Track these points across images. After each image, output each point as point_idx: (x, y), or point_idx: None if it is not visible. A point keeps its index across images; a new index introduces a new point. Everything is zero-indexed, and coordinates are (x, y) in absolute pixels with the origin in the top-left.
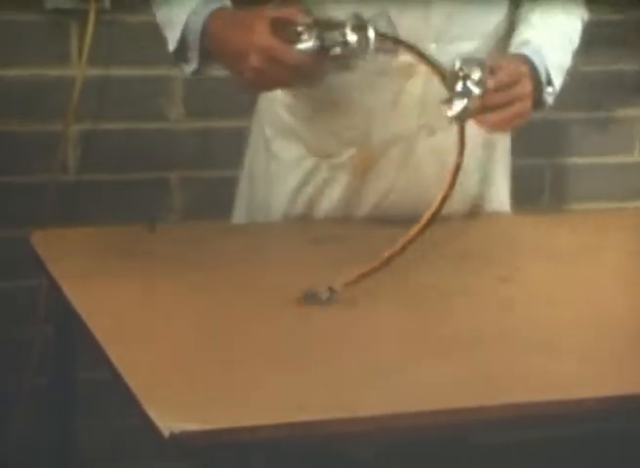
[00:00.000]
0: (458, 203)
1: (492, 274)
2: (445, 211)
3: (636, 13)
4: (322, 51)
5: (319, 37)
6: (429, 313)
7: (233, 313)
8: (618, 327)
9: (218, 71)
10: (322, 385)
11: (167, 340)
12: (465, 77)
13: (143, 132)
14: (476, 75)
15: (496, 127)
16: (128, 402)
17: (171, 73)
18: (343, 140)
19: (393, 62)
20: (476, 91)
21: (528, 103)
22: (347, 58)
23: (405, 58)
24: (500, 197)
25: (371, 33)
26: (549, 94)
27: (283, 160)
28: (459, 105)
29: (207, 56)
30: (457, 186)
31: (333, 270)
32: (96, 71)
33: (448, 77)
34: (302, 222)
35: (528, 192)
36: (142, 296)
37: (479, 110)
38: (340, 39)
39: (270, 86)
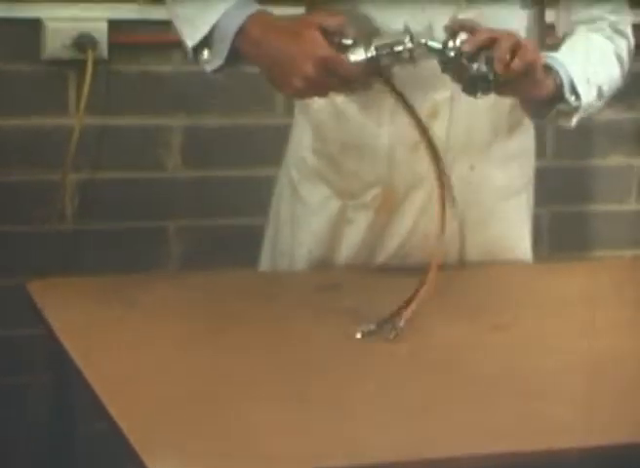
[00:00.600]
0: (477, 253)
1: (489, 322)
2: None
3: None
4: (372, 62)
5: (370, 49)
6: (428, 361)
7: (234, 361)
8: (613, 374)
9: (215, 121)
10: (336, 432)
11: (166, 390)
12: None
13: (141, 181)
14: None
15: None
16: (126, 452)
17: (168, 123)
18: (367, 181)
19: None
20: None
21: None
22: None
23: (431, 99)
24: (522, 247)
25: (431, 44)
26: (573, 102)
27: (308, 203)
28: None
29: (234, 56)
30: (474, 237)
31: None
32: (93, 121)
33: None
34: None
35: None
36: (141, 346)
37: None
38: (391, 51)
39: (319, 94)
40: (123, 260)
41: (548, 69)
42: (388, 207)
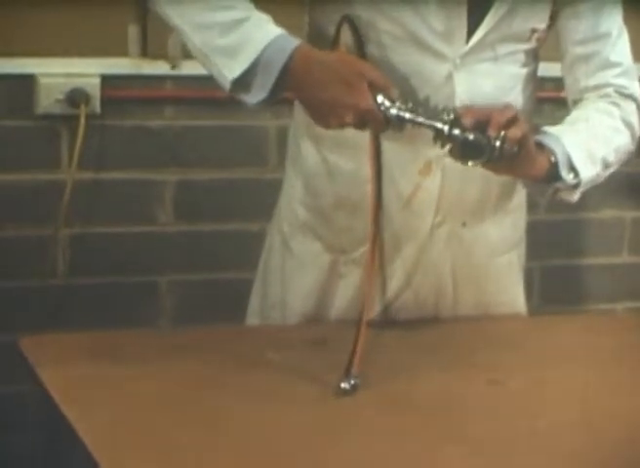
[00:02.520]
0: (470, 310)
1: (485, 377)
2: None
3: None
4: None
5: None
6: (420, 417)
7: (228, 417)
8: (609, 431)
9: (206, 175)
10: None
11: (160, 448)
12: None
13: (133, 235)
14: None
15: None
16: None
17: (160, 177)
18: (358, 238)
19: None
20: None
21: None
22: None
23: (424, 155)
24: (516, 303)
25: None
26: (570, 181)
27: (299, 256)
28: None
29: (277, 89)
30: (467, 293)
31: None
32: (86, 175)
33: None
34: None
35: None
36: (133, 402)
37: None
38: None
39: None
40: (115, 315)
41: (542, 147)
42: (379, 263)
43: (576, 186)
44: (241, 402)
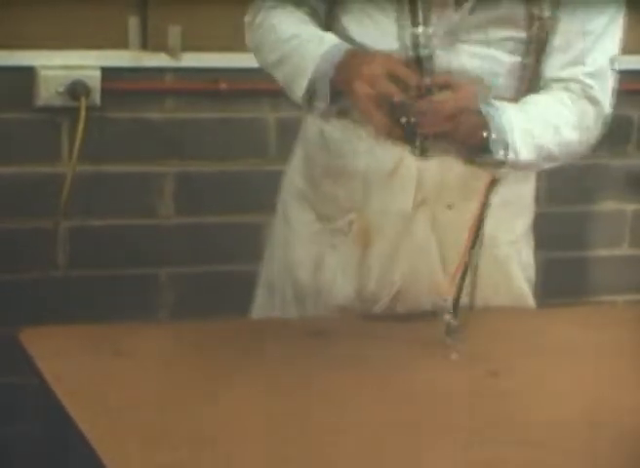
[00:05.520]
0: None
1: (485, 368)
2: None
3: None
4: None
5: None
6: (419, 408)
7: (221, 411)
8: (609, 424)
9: (207, 167)
10: None
11: (160, 440)
12: None
13: (133, 228)
14: None
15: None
16: None
17: (161, 169)
18: (342, 205)
19: None
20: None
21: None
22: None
23: None
24: (517, 303)
25: None
26: (499, 157)
27: (294, 224)
28: None
29: (337, 95)
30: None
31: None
32: (86, 168)
33: None
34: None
35: None
36: (134, 394)
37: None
38: None
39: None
40: (115, 308)
41: (481, 117)
42: (365, 238)
43: (504, 163)
44: (243, 395)
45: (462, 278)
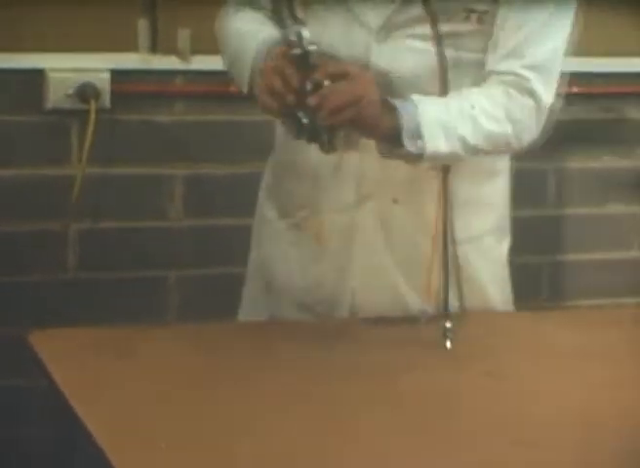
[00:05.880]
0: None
1: (481, 370)
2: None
3: None
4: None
5: None
6: (418, 410)
7: (229, 412)
8: (606, 425)
9: (216, 170)
10: None
11: (168, 441)
12: None
13: (143, 230)
14: None
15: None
16: None
17: (170, 172)
18: (296, 202)
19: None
20: None
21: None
22: None
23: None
24: (490, 304)
25: None
26: (412, 149)
27: (263, 221)
28: None
29: None
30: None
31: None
32: (95, 170)
33: None
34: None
35: (526, 289)
36: (142, 396)
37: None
38: None
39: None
40: (124, 310)
41: (393, 110)
42: (316, 232)
43: (419, 155)
44: (252, 397)
45: (445, 280)
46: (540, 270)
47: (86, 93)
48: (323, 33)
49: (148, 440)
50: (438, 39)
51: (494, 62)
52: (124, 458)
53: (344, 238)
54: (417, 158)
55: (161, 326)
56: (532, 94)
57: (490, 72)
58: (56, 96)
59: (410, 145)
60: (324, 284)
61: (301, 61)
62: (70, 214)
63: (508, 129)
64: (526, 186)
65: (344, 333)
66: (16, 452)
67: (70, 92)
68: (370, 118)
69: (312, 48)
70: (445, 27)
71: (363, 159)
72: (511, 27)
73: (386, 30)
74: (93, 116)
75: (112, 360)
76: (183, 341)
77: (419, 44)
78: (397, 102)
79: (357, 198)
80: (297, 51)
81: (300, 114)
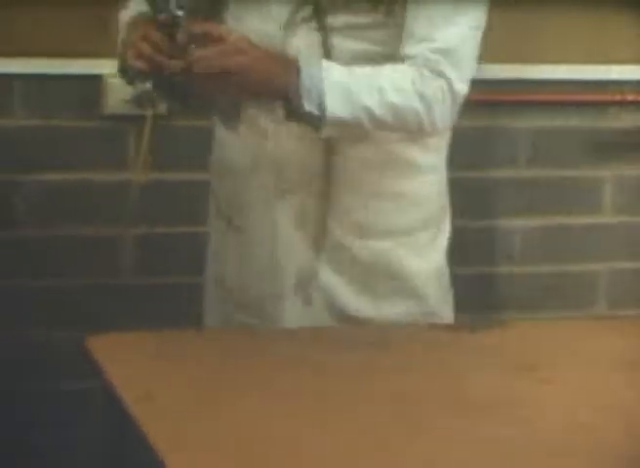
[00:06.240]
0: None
1: (533, 377)
2: None
3: None
4: None
5: None
6: (478, 417)
7: (288, 418)
8: None
9: None
10: None
11: (225, 445)
12: None
13: (198, 236)
14: None
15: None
16: None
17: None
18: (224, 200)
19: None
20: None
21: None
22: None
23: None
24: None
25: None
26: (312, 112)
27: (209, 220)
28: None
29: None
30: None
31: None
32: (152, 176)
33: None
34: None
35: (583, 297)
36: (200, 400)
37: None
38: None
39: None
40: (181, 314)
41: (297, 70)
42: (242, 231)
43: (321, 120)
44: (304, 403)
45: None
46: (597, 278)
47: (143, 99)
48: (242, 29)
49: (205, 443)
50: (325, 30)
51: (405, 48)
52: (179, 461)
53: (268, 234)
54: (318, 122)
55: (218, 328)
56: (443, 76)
57: (402, 57)
58: (114, 101)
59: (309, 106)
60: (252, 283)
61: (169, 26)
62: (127, 219)
63: (417, 104)
64: (582, 195)
65: (403, 339)
66: (73, 455)
67: (128, 97)
68: (255, 77)
69: (179, 12)
70: (348, 19)
71: (278, 154)
72: (421, 15)
73: (294, 24)
74: (150, 122)
75: (170, 363)
76: (237, 344)
77: (323, 38)
78: (302, 63)
79: (275, 193)
80: (163, 15)
81: (170, 76)
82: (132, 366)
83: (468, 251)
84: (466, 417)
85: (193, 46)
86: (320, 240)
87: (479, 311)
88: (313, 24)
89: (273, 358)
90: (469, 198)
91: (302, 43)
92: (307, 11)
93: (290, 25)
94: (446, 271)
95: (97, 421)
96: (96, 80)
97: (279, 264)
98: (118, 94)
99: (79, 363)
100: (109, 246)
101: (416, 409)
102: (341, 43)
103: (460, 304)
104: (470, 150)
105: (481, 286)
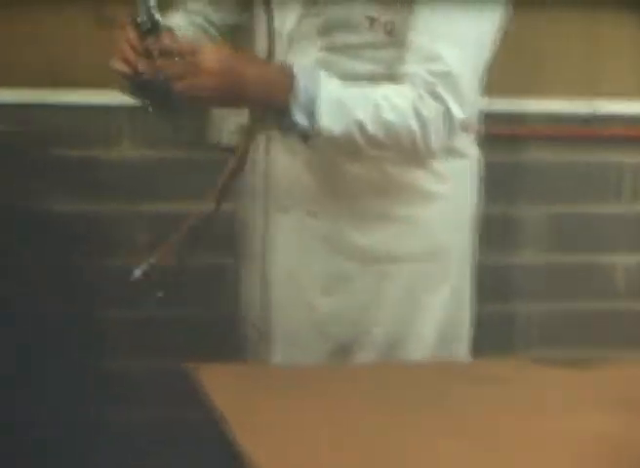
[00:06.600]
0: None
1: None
2: None
3: None
4: None
5: None
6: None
7: (401, 453)
8: None
9: None
10: None
11: None
12: None
13: None
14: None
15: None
16: None
17: None
18: (241, 212)
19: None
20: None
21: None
22: None
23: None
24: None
25: None
26: (301, 124)
27: None
28: None
29: None
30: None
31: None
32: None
33: None
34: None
35: None
36: (309, 434)
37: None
38: None
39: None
40: None
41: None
42: (247, 249)
43: (309, 133)
44: (427, 438)
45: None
46: None
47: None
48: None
49: None
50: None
51: (405, 67)
52: None
53: (263, 250)
54: (307, 133)
55: (327, 365)
56: (440, 99)
57: (401, 75)
58: (219, 132)
59: (300, 116)
60: (253, 298)
61: (148, 29)
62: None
63: (413, 123)
64: None
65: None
66: None
67: (232, 128)
68: (229, 91)
69: (157, 17)
70: (350, 37)
71: (276, 169)
72: (422, 35)
73: (295, 40)
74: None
75: (280, 396)
76: (352, 379)
77: (324, 55)
78: (299, 73)
79: (275, 210)
80: (142, 18)
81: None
82: (240, 396)
83: (567, 285)
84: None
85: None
86: (311, 258)
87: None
88: (315, 42)
89: (394, 392)
90: (570, 232)
91: (304, 60)
92: (309, 26)
93: (292, 41)
94: (456, 307)
95: (199, 451)
96: (203, 112)
97: (271, 280)
98: (223, 125)
99: (180, 391)
100: (218, 277)
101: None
102: (343, 62)
103: (554, 339)
104: (572, 185)
105: (584, 321)
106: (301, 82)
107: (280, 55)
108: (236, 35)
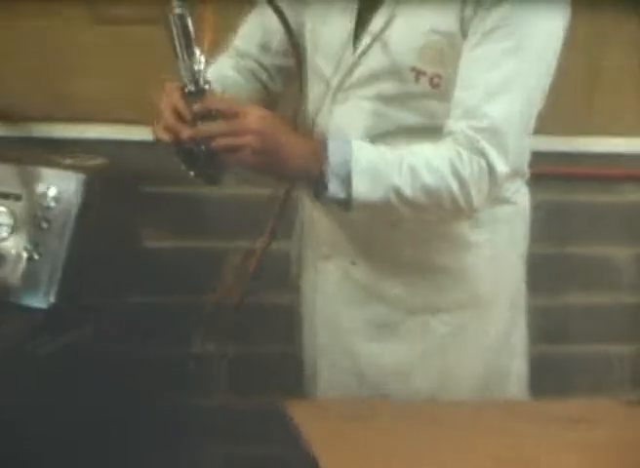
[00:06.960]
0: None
1: None
2: None
3: None
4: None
5: None
6: None
7: None
8: None
9: None
10: None
11: None
12: None
13: None
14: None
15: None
16: None
17: None
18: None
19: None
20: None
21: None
22: None
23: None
24: (449, 383)
25: None
26: (337, 194)
27: None
28: None
29: None
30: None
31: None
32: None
33: None
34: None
35: None
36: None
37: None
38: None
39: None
40: None
41: (323, 150)
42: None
43: (347, 202)
44: None
45: None
46: None
47: None
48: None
49: None
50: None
51: (449, 122)
52: None
53: (311, 297)
54: (345, 204)
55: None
56: (483, 154)
57: (445, 133)
58: None
59: (335, 189)
60: (305, 343)
61: (195, 98)
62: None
63: (453, 185)
64: None
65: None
66: None
67: None
68: (271, 158)
69: (206, 86)
70: (396, 86)
71: (321, 218)
72: (467, 89)
73: (342, 89)
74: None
75: (375, 433)
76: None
77: (371, 105)
78: (330, 144)
79: (318, 255)
80: (190, 87)
81: (193, 147)
82: (330, 432)
83: None
84: None
85: (200, 120)
86: (355, 305)
87: None
88: (362, 91)
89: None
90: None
91: (349, 110)
92: (357, 75)
93: (339, 90)
94: (501, 353)
95: None
96: None
97: (317, 326)
98: None
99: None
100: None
101: None
102: (389, 112)
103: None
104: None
105: None
106: (334, 151)
107: (326, 101)
108: (287, 78)
